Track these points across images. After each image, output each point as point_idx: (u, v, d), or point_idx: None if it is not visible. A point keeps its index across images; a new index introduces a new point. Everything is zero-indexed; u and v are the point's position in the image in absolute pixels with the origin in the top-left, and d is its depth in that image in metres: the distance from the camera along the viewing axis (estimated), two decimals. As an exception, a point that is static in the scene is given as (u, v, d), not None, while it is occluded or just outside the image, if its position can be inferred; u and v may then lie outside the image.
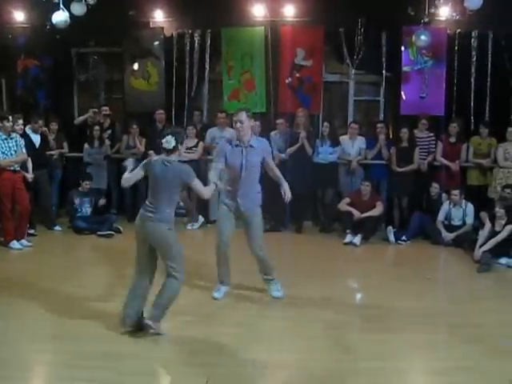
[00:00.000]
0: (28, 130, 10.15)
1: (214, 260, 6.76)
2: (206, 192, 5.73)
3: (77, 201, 10.43)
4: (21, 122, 9.43)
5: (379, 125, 10.86)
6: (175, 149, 5.50)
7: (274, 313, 6.35)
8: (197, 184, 5.60)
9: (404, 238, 9.96)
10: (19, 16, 11.73)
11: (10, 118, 9.02)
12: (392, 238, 9.99)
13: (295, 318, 6.18)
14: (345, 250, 9.60)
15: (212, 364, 5.01)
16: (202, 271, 7.53)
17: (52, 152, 10.89)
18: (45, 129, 10.62)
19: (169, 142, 5.42)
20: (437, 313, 6.47)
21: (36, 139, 10.22)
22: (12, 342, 5.41)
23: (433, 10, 10.37)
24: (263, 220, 6.93)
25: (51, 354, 5.21)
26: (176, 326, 5.78)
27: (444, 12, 10.57)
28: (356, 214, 9.93)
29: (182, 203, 10.62)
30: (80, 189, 10.48)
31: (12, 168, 9.02)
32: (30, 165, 9.61)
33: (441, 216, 9.85)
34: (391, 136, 11.04)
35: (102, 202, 10.71)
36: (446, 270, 9.05)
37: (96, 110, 11.45)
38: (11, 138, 9.00)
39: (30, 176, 9.55)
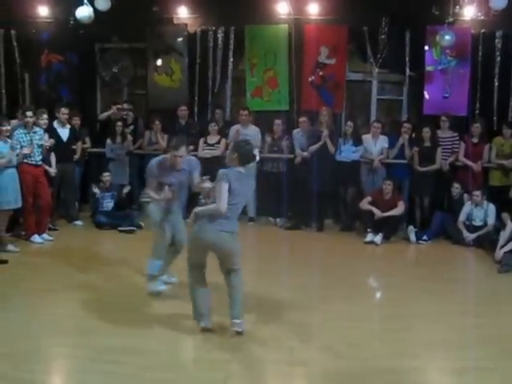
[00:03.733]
0: (56, 124, 10.21)
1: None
2: None
3: (99, 195, 10.52)
4: (45, 116, 9.44)
5: (406, 125, 10.76)
6: None
7: (292, 311, 6.33)
8: None
9: (425, 237, 9.94)
10: (43, 11, 11.77)
11: (29, 113, 8.95)
12: (413, 237, 9.97)
13: (313, 316, 6.18)
14: (365, 248, 9.60)
15: (231, 360, 5.04)
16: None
17: (74, 146, 10.86)
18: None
19: None
20: (456, 313, 6.47)
21: (63, 133, 10.29)
22: (33, 336, 5.47)
23: (457, 10, 10.37)
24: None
25: (72, 348, 5.26)
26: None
27: (468, 12, 10.57)
28: (377, 212, 9.89)
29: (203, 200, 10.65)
30: (101, 184, 10.57)
31: (33, 162, 9.01)
32: (53, 160, 9.66)
33: (462, 216, 9.80)
34: (414, 136, 10.96)
35: (127, 189, 10.78)
36: (467, 271, 9.02)
37: (120, 106, 11.47)
38: (34, 132, 9.00)
39: (53, 171, 9.60)
